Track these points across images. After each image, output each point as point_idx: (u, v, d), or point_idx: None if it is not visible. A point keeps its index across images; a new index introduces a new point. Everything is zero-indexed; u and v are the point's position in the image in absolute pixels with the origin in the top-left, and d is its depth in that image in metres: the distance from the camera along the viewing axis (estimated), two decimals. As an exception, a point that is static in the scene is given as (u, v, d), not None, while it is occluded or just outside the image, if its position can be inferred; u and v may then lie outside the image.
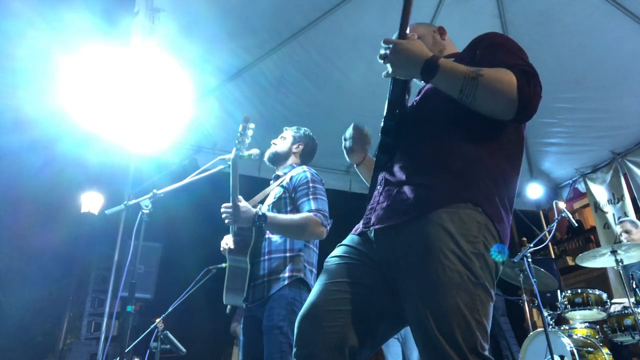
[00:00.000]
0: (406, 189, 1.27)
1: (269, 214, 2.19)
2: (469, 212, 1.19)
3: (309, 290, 2.20)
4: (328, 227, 2.23)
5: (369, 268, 1.30)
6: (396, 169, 1.34)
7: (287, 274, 2.17)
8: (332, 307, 1.26)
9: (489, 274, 1.18)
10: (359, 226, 1.38)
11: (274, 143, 2.58)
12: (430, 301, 1.13)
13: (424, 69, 1.24)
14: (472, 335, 1.11)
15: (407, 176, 1.29)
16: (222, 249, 2.41)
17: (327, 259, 1.40)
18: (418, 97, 1.49)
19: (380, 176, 1.39)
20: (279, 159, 2.55)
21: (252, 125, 2.16)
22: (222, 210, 2.16)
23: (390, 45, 1.28)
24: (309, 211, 2.20)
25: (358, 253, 1.34)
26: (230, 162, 2.19)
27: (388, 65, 1.31)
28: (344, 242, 1.41)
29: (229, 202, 2.17)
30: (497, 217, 1.22)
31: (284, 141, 2.58)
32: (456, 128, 1.29)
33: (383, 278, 1.28)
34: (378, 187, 1.38)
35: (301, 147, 2.58)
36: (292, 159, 2.55)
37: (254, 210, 2.15)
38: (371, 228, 1.30)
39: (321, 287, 1.32)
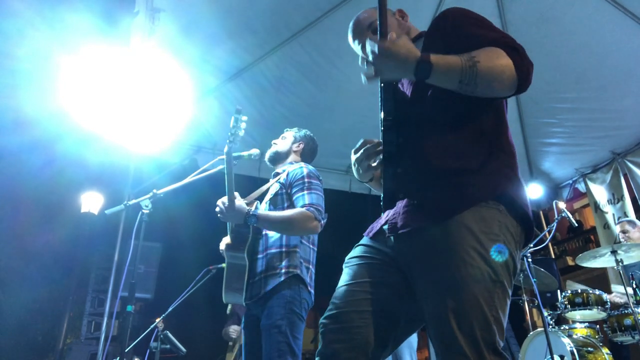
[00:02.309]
0: (427, 192, 1.26)
1: (260, 212, 2.19)
2: (491, 211, 1.20)
3: (307, 287, 2.22)
4: (322, 222, 2.22)
5: (390, 268, 1.31)
6: (411, 171, 1.31)
7: (283, 270, 2.18)
8: (356, 308, 1.27)
9: (507, 272, 1.20)
10: (377, 229, 1.37)
11: (274, 143, 2.58)
12: (451, 297, 1.14)
13: (418, 70, 1.17)
14: (490, 331, 1.14)
15: (426, 179, 1.28)
16: (221, 250, 2.42)
17: (347, 259, 1.40)
18: (408, 90, 1.41)
19: (395, 179, 1.34)
20: (279, 158, 2.55)
21: (244, 118, 2.11)
22: (217, 205, 2.17)
23: (375, 50, 1.16)
24: (303, 206, 2.21)
25: (379, 252, 1.34)
26: (224, 157, 2.14)
27: (372, 69, 1.20)
28: (362, 242, 1.41)
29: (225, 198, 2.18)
30: (512, 206, 1.23)
31: (284, 141, 2.59)
32: (462, 124, 1.28)
33: (404, 278, 1.29)
34: (400, 196, 1.33)
35: (302, 146, 2.59)
36: (292, 157, 2.56)
37: (247, 208, 2.16)
38: (399, 232, 1.28)
39: (345, 288, 1.32)
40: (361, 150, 1.36)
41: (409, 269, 1.27)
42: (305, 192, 2.26)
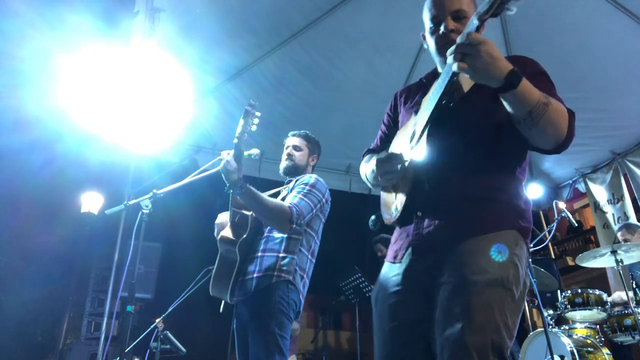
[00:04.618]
0: (454, 214, 1.30)
1: (251, 187, 2.15)
2: (511, 231, 1.29)
3: (297, 291, 2.22)
4: (294, 227, 2.19)
5: (419, 296, 1.31)
6: (439, 191, 1.33)
7: (276, 273, 2.19)
8: (404, 353, 1.29)
9: (519, 284, 1.23)
10: (403, 253, 1.38)
11: (289, 154, 2.57)
12: (464, 299, 1.17)
13: (510, 76, 1.11)
14: (500, 337, 1.15)
15: (456, 205, 1.32)
16: (216, 227, 2.38)
17: (375, 296, 1.42)
18: (461, 112, 1.37)
19: (420, 196, 1.35)
20: (297, 172, 2.56)
21: (258, 114, 2.11)
22: (224, 152, 2.12)
23: (474, 43, 1.08)
24: (290, 203, 2.21)
25: (406, 278, 1.35)
26: (235, 140, 2.09)
27: (455, 64, 1.10)
28: (386, 271, 1.42)
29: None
30: (527, 235, 1.34)
31: (301, 153, 2.59)
32: (500, 161, 1.34)
33: (431, 299, 1.29)
34: (418, 214, 1.35)
35: (316, 159, 2.65)
36: (307, 170, 2.61)
37: (242, 180, 2.12)
38: (425, 255, 1.31)
39: (385, 332, 1.34)
40: (388, 164, 1.35)
41: (431, 280, 1.29)
42: (300, 195, 2.27)
